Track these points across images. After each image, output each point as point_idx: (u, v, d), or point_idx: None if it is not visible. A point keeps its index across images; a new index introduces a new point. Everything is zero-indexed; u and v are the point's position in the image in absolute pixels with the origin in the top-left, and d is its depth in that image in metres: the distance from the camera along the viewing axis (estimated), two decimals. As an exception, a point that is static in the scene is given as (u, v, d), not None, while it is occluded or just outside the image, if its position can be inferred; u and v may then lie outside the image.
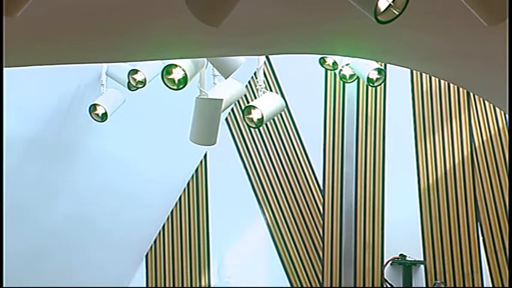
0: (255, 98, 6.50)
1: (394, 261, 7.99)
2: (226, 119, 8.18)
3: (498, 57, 3.97)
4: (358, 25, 3.56)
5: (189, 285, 8.25)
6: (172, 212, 8.28)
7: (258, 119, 6.00)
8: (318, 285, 8.11)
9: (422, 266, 7.94)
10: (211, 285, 8.25)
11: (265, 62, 6.96)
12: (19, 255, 6.95)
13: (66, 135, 7.01)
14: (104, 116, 6.60)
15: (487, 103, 7.79)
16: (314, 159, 8.20)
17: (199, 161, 8.25)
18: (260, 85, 6.22)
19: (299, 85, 8.10)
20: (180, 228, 8.27)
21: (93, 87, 6.81)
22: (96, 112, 6.62)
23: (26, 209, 6.94)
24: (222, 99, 5.71)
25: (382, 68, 6.51)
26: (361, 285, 7.95)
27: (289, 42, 4.38)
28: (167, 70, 5.42)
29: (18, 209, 6.77)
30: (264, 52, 5.69)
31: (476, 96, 7.81)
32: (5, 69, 3.64)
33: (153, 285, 8.27)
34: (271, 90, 7.76)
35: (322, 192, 8.11)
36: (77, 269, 7.75)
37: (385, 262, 7.98)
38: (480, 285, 7.82)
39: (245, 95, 7.20)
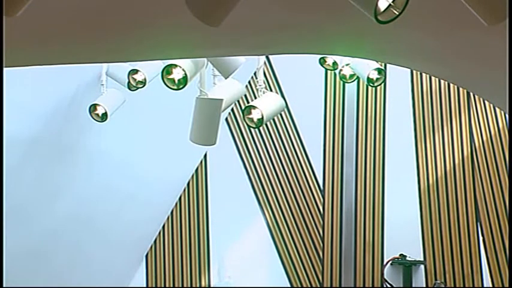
0: (255, 98, 6.50)
1: (394, 261, 7.99)
2: (226, 119, 8.18)
3: (498, 57, 3.97)
4: (358, 25, 3.56)
5: (189, 285, 8.25)
6: (172, 212, 8.28)
7: (258, 119, 6.00)
8: (318, 285, 8.12)
9: (422, 266, 7.95)
10: (211, 285, 8.25)
11: (265, 62, 6.95)
12: (19, 255, 6.94)
13: (66, 135, 7.01)
14: (104, 116, 6.59)
15: (487, 103, 7.79)
16: (314, 159, 8.20)
17: (199, 161, 8.26)
18: (260, 85, 6.21)
19: (299, 85, 8.10)
20: (180, 228, 8.27)
21: (93, 87, 6.80)
22: (96, 112, 6.61)
23: (26, 209, 6.94)
24: (222, 99, 5.71)
25: (382, 68, 6.50)
26: (361, 285, 7.95)
27: (289, 43, 4.38)
28: (167, 70, 5.42)
29: (18, 209, 6.77)
30: (264, 52, 5.69)
31: (476, 96, 7.82)
32: (5, 69, 3.64)
33: (153, 285, 8.27)
34: (271, 90, 7.76)
35: (322, 192, 8.11)
36: (77, 269, 7.75)
37: (385, 262, 7.98)
38: (480, 285, 7.82)
39: (245, 95, 7.20)
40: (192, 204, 8.28)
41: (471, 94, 7.85)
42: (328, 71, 7.55)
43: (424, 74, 7.97)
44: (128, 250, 8.18)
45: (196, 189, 8.28)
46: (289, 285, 8.20)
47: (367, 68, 6.42)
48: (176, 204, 8.28)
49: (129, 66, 6.23)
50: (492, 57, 4.20)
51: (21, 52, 3.86)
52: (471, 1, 2.79)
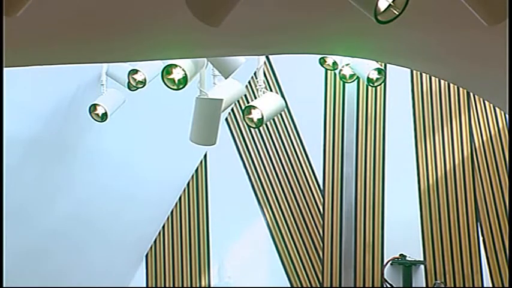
0: (255, 98, 6.50)
1: (394, 261, 7.99)
2: (226, 119, 8.18)
3: (498, 57, 3.98)
4: (358, 25, 3.56)
5: (189, 285, 8.25)
6: (172, 212, 8.28)
7: (258, 119, 6.00)
8: (318, 285, 8.11)
9: (422, 266, 7.95)
10: (211, 285, 8.25)
11: (265, 62, 6.95)
12: (19, 255, 6.94)
13: (66, 135, 7.01)
14: (104, 116, 6.60)
15: (487, 103, 7.79)
16: (314, 159, 8.20)
17: (199, 161, 8.25)
18: (260, 85, 6.21)
19: (299, 85, 8.10)
20: (180, 228, 8.27)
21: (93, 87, 6.80)
22: (96, 112, 6.61)
23: (26, 209, 6.94)
24: (222, 99, 5.71)
25: (382, 68, 6.50)
26: (361, 285, 7.95)
27: (289, 43, 4.38)
28: (167, 70, 5.42)
29: (18, 209, 6.77)
30: (264, 52, 5.69)
31: (476, 96, 7.82)
32: (5, 69, 3.64)
33: (153, 285, 8.27)
34: (271, 90, 7.76)
35: (322, 192, 8.11)
36: (77, 269, 7.75)
37: (385, 262, 7.98)
38: (480, 285, 7.82)
39: (245, 95, 7.19)
40: (192, 204, 8.28)
41: (471, 94, 7.85)
42: (328, 71, 7.55)
43: (424, 74, 7.97)
44: (128, 250, 8.18)
45: (196, 189, 8.28)
46: (289, 285, 8.20)
47: (367, 68, 6.42)
48: (176, 204, 8.28)
49: (129, 66, 6.23)
50: (492, 57, 4.20)
51: (21, 52, 3.86)
52: (471, 1, 2.79)
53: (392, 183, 8.00)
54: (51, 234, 7.29)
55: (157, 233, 8.28)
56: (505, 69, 3.85)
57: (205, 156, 8.24)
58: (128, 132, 7.33)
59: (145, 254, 8.29)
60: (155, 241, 8.29)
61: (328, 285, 8.03)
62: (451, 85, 7.90)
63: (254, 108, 6.01)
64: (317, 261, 8.15)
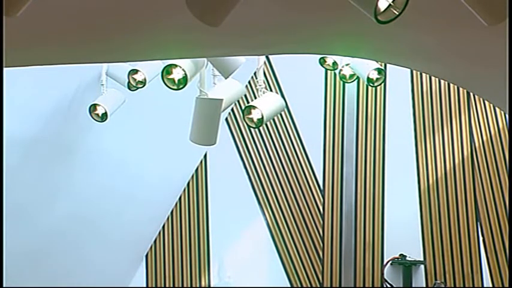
0: (255, 98, 6.50)
1: (394, 261, 7.99)
2: (226, 119, 8.18)
3: (498, 57, 3.98)
4: (358, 25, 3.56)
5: (189, 285, 8.25)
6: (172, 212, 8.28)
7: (258, 119, 6.00)
8: (318, 285, 8.12)
9: (422, 266, 7.95)
10: (211, 285, 8.25)
11: (265, 62, 6.95)
12: (19, 255, 6.94)
13: (66, 135, 7.01)
14: (104, 116, 6.60)
15: (487, 103, 7.79)
16: (314, 159, 8.20)
17: (199, 161, 8.26)
18: (260, 85, 6.22)
19: (299, 85, 8.10)
20: (180, 228, 8.27)
21: (93, 87, 6.81)
22: (96, 112, 6.62)
23: (26, 209, 6.94)
24: (222, 99, 5.71)
25: (382, 68, 6.50)
26: (361, 285, 7.95)
27: (289, 43, 4.38)
28: (167, 70, 5.42)
29: (18, 209, 6.77)
30: (264, 52, 5.70)
31: (476, 96, 7.82)
32: (5, 69, 3.64)
33: (153, 285, 8.27)
34: (271, 90, 7.76)
35: (322, 192, 8.11)
36: (77, 269, 7.75)
37: (385, 262, 7.98)
38: (480, 285, 7.82)
39: (245, 95, 7.20)
40: (192, 204, 8.28)
41: (471, 94, 7.85)
42: (328, 71, 7.55)
43: (424, 74, 7.97)
44: (128, 250, 8.18)
45: (196, 189, 8.28)
46: (289, 285, 8.20)
47: (367, 68, 6.43)
48: (176, 204, 8.28)
49: (129, 66, 6.23)
50: (492, 57, 4.20)
51: (21, 52, 3.86)
52: (471, 1, 2.80)
53: (392, 183, 8.00)
54: (51, 234, 7.29)
55: (157, 233, 8.28)
56: (505, 69, 3.85)
57: (205, 156, 8.24)
58: (128, 132, 7.34)
59: (145, 254, 8.29)
60: (155, 241, 8.29)
61: (328, 285, 8.03)
62: (451, 85, 7.90)
63: (254, 108, 6.01)
64: (317, 261, 8.15)
